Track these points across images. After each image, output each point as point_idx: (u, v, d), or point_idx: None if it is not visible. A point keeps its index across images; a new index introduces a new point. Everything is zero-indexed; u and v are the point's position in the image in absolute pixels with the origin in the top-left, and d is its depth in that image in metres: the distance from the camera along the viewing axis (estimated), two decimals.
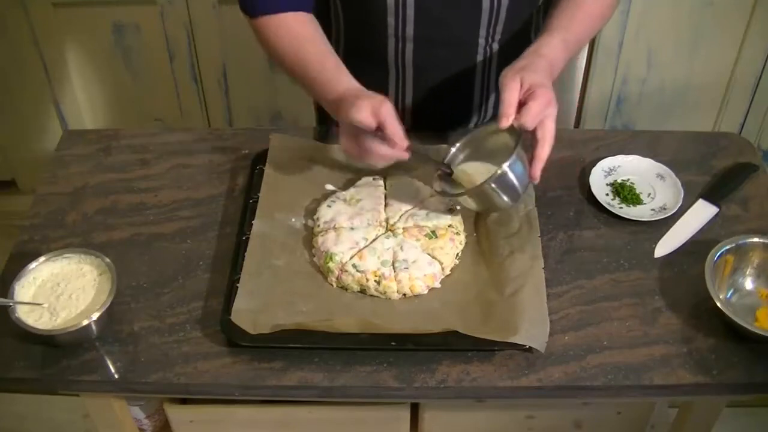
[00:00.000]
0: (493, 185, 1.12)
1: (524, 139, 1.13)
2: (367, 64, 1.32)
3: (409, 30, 1.28)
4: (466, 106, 1.41)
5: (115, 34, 2.13)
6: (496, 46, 1.33)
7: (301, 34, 1.24)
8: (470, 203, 1.19)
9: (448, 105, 1.40)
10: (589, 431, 1.32)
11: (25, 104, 2.27)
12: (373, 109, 1.10)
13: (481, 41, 1.31)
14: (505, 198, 1.15)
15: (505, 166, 1.11)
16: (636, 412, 1.30)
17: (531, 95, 1.10)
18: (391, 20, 1.27)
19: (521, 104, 1.11)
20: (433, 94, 1.37)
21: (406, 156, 1.15)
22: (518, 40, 1.33)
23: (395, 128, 1.11)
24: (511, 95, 1.11)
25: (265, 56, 2.14)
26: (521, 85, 1.11)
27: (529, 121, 1.09)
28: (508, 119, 1.10)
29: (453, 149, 1.23)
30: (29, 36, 2.10)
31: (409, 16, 1.26)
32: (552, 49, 1.19)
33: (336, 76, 1.20)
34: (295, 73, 1.25)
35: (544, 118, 1.11)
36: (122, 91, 2.26)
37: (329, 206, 1.24)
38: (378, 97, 1.12)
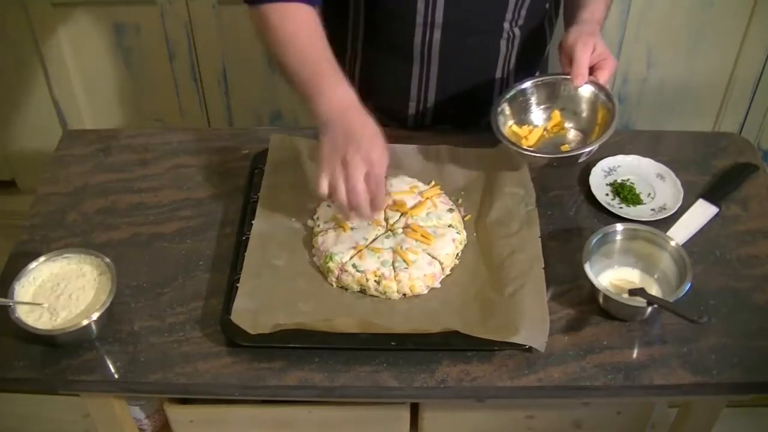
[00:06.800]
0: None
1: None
2: (389, 55, 1.31)
3: (439, 16, 1.27)
4: (487, 95, 1.40)
5: (115, 34, 2.12)
6: (517, 31, 1.34)
7: (304, 29, 1.19)
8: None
9: (468, 95, 1.39)
10: (589, 431, 1.32)
11: (25, 104, 2.27)
12: (370, 168, 1.08)
13: (506, 25, 1.32)
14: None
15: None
16: (636, 412, 1.30)
17: (603, 62, 1.24)
18: (420, 6, 1.26)
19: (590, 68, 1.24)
20: (456, 84, 1.36)
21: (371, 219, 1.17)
22: (535, 25, 1.35)
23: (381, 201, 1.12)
24: (587, 57, 1.23)
25: (265, 56, 2.14)
26: (593, 50, 1.23)
27: (602, 84, 1.24)
28: (583, 78, 1.23)
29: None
30: (29, 36, 2.10)
31: (439, 1, 1.26)
32: (601, 14, 1.31)
33: (332, 84, 1.14)
34: (289, 68, 1.18)
35: (606, 83, 1.25)
36: (122, 91, 2.25)
37: (329, 206, 1.24)
38: (377, 151, 1.09)
